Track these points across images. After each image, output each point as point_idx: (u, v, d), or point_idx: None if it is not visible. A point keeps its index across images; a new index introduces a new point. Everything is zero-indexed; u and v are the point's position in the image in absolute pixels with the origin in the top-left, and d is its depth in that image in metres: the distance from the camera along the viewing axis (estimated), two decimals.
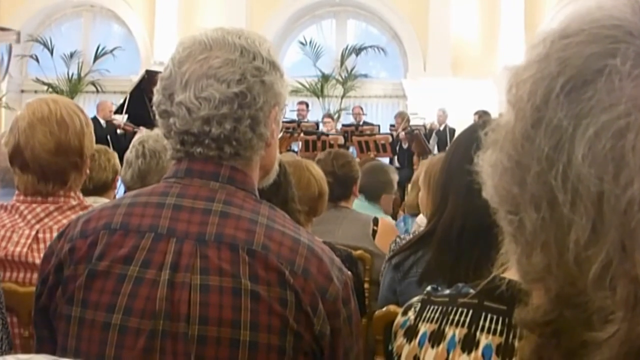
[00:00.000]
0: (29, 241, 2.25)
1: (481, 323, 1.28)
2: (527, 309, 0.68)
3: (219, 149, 1.52)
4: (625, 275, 0.56)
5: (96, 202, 2.75)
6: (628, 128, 0.58)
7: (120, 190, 3.82)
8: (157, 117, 1.57)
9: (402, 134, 13.11)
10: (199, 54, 1.52)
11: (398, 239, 2.91)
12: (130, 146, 3.48)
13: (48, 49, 17.48)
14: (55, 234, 1.68)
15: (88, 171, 2.50)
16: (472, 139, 2.21)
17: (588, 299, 0.58)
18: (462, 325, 1.30)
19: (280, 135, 1.72)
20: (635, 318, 0.52)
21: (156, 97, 1.56)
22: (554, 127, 0.64)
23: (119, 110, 12.77)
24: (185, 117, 1.50)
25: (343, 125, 14.56)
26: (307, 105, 14.80)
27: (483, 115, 10.54)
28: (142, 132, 11.37)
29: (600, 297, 0.57)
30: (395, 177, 4.67)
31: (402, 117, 13.90)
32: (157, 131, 3.40)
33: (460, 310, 1.32)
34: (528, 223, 0.65)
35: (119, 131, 12.18)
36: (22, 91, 17.58)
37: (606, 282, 0.57)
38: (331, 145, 11.22)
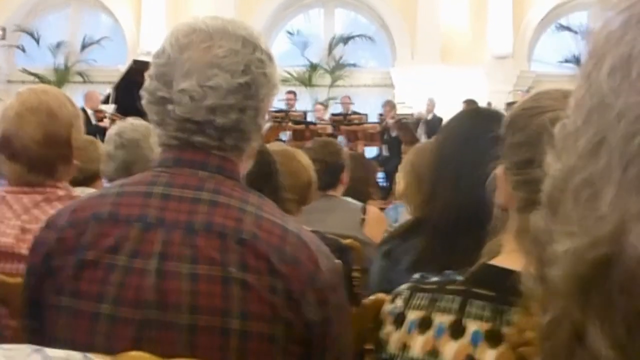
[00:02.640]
0: (17, 232, 2.24)
1: (469, 310, 1.28)
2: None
3: (220, 140, 1.52)
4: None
5: (84, 193, 2.75)
6: None
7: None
8: (147, 103, 1.56)
9: (390, 123, 13.10)
10: (201, 42, 1.51)
11: (389, 229, 2.92)
12: (107, 139, 3.47)
13: (35, 39, 17.40)
14: (42, 225, 1.68)
15: (76, 162, 2.49)
16: (460, 128, 2.22)
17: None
18: (450, 312, 1.31)
19: (268, 124, 1.74)
20: (582, 239, 0.50)
21: (149, 83, 1.54)
22: None
23: (106, 101, 12.72)
24: (188, 104, 1.49)
25: (332, 114, 14.57)
26: (295, 95, 14.80)
27: (470, 104, 10.54)
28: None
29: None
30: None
31: (390, 105, 13.90)
32: (131, 120, 3.41)
33: (448, 297, 1.33)
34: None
35: (101, 123, 12.11)
36: (9, 82, 17.49)
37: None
38: (320, 135, 11.22)
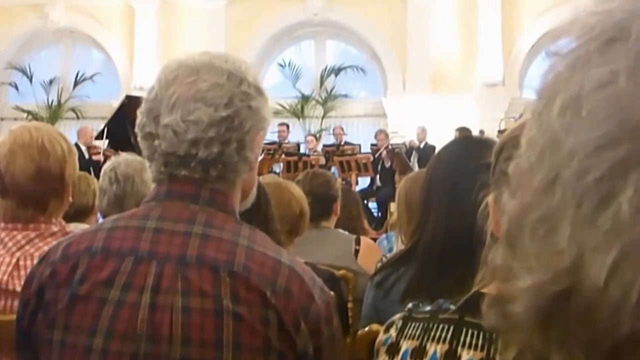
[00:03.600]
0: (10, 269, 2.24)
1: (462, 338, 1.29)
2: None
3: (204, 172, 1.53)
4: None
5: (77, 228, 2.75)
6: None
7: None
8: (139, 139, 1.57)
9: (384, 153, 13.14)
10: (186, 77, 1.52)
11: (384, 259, 2.92)
12: (102, 174, 3.51)
13: (27, 76, 17.44)
14: (36, 261, 1.68)
15: (71, 199, 2.50)
16: (451, 156, 2.23)
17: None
18: (444, 341, 1.31)
19: (261, 157, 1.73)
20: (543, 275, 0.51)
21: (140, 119, 1.56)
22: None
23: (99, 136, 12.74)
24: (172, 139, 1.50)
25: (324, 145, 14.59)
26: (288, 127, 14.83)
27: (463, 132, 10.58)
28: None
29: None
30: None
31: (383, 134, 13.97)
32: (126, 156, 3.44)
33: (441, 326, 1.33)
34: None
35: (95, 157, 12.14)
36: (2, 119, 17.52)
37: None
38: (312, 166, 11.24)
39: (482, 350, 1.25)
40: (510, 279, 0.53)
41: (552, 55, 0.56)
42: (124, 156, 3.55)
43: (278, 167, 12.93)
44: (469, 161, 1.90)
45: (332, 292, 1.61)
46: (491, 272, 0.60)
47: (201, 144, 1.50)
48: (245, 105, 1.53)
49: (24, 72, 17.47)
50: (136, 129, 1.57)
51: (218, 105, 1.50)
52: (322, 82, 17.24)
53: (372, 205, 13.10)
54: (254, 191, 1.73)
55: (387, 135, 13.88)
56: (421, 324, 1.36)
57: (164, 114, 1.51)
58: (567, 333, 0.48)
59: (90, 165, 11.36)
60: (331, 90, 17.18)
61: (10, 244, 2.30)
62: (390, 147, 13.20)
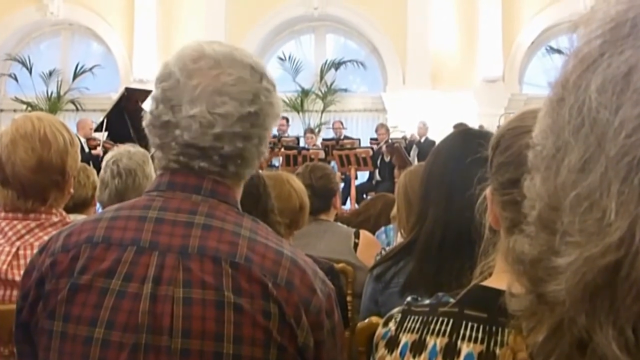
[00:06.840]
0: (9, 258, 2.24)
1: (462, 332, 1.28)
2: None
3: (222, 167, 1.53)
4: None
5: (76, 219, 2.75)
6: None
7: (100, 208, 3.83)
8: (150, 126, 1.56)
9: (383, 147, 13.13)
10: (210, 68, 1.51)
11: (383, 252, 2.92)
12: (104, 165, 3.49)
13: (27, 68, 17.42)
14: (36, 251, 1.68)
15: (72, 190, 2.49)
16: (450, 150, 2.23)
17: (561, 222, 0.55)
18: (443, 335, 1.31)
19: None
20: (591, 248, 0.51)
21: (155, 106, 1.54)
22: None
23: (99, 128, 12.73)
24: (197, 130, 1.49)
25: (323, 139, 14.59)
26: (288, 121, 14.85)
27: (459, 127, 10.57)
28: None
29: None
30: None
31: (384, 128, 13.97)
32: (129, 148, 3.42)
33: (440, 319, 1.33)
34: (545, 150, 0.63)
35: (94, 151, 12.13)
36: (1, 110, 17.51)
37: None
38: (312, 160, 11.22)
39: (482, 343, 1.25)
40: (546, 259, 0.53)
41: (573, 43, 0.56)
42: (126, 148, 3.52)
43: (277, 161, 12.92)
44: (467, 155, 1.91)
45: (332, 285, 1.61)
46: (515, 259, 0.59)
47: (226, 138, 1.50)
48: (268, 102, 1.55)
49: (23, 63, 17.46)
50: (148, 116, 1.56)
51: (243, 100, 1.50)
52: (322, 76, 17.25)
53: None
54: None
55: (387, 130, 13.89)
56: (420, 318, 1.36)
57: (186, 105, 1.50)
58: (618, 306, 0.48)
59: (90, 158, 11.36)
60: (331, 85, 17.19)
61: (10, 234, 2.30)
62: (390, 141, 13.20)
